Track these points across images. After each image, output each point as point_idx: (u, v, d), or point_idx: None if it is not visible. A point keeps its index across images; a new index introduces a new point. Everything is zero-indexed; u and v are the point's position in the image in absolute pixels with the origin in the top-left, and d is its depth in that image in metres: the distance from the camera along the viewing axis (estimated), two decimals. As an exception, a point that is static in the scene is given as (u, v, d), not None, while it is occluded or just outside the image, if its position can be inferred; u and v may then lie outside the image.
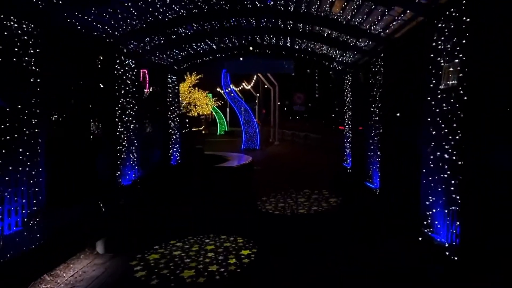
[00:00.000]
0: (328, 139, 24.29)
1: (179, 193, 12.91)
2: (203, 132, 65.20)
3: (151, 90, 14.69)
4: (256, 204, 11.62)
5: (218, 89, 27.66)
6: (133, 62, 10.98)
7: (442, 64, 6.19)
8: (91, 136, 9.98)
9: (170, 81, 14.80)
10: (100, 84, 9.93)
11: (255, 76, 37.63)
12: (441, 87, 6.21)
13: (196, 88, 31.25)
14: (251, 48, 14.08)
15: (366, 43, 10.73)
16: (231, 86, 28.71)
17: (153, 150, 13.94)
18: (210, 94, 54.00)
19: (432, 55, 6.47)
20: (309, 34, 11.57)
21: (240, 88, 51.97)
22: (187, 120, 32.22)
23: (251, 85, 43.12)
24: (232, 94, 28.80)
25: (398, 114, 9.51)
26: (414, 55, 8.10)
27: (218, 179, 13.40)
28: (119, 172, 10.51)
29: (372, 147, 11.03)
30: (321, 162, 18.77)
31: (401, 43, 9.01)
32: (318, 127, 42.75)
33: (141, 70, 27.77)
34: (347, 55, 12.86)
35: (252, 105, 36.64)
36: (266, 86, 34.91)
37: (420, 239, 6.70)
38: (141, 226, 9.49)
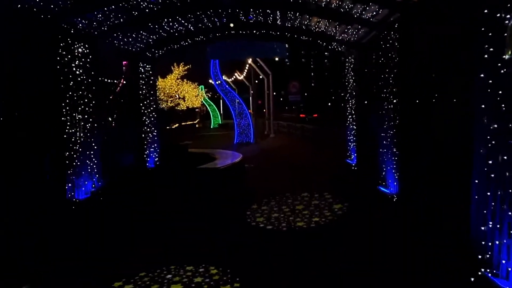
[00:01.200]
0: (327, 131, 22.24)
1: (151, 203, 10.76)
2: (197, 126, 63.44)
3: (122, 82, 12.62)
4: (244, 215, 9.51)
5: (210, 81, 25.70)
6: (86, 46, 8.85)
7: (507, 22, 4.09)
8: (36, 140, 7.83)
9: (142, 70, 12.67)
10: (40, 74, 7.77)
11: (247, 66, 35.40)
12: (506, 57, 4.11)
13: (185, 80, 29.12)
14: (234, 29, 11.92)
15: (374, 13, 8.59)
16: (222, 77, 26.50)
17: (124, 153, 11.86)
18: (202, 86, 51.91)
19: (486, 10, 4.36)
20: (302, 5, 9.41)
21: (232, 78, 49.77)
22: (168, 115, 30.35)
23: (244, 75, 40.88)
24: (223, 85, 26.61)
25: (420, 102, 7.37)
26: (445, 19, 5.96)
27: (201, 184, 11.31)
28: (70, 184, 8.43)
29: (385, 142, 8.95)
30: (320, 157, 16.71)
31: (425, 6, 6.86)
32: (316, 119, 40.72)
33: (123, 62, 25.62)
34: (350, 31, 10.74)
35: (246, 97, 34.46)
36: (261, 77, 32.76)
37: (472, 279, 4.62)
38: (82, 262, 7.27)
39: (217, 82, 26.31)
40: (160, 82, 28.07)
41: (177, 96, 28.41)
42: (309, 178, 12.92)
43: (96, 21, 8.84)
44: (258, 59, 30.18)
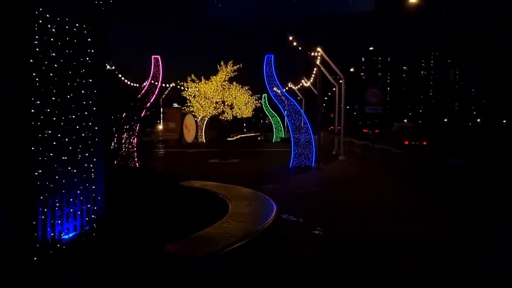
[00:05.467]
0: (440, 165, 14.11)
1: None
2: (258, 138, 57.78)
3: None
4: None
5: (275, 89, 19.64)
6: None
7: None
8: None
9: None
10: None
11: (315, 69, 28.66)
12: None
13: (234, 82, 23.11)
14: None
15: None
16: (276, 78, 20.13)
17: None
18: (265, 95, 45.85)
19: None
20: None
21: (298, 86, 43.33)
22: (230, 125, 24.47)
23: (311, 81, 34.33)
24: (278, 88, 20.24)
25: None
26: None
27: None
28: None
29: None
30: (430, 214, 9.66)
31: None
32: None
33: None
34: None
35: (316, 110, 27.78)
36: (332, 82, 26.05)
37: None
38: None
39: (271, 85, 20.00)
40: (202, 85, 22.18)
41: (222, 103, 22.34)
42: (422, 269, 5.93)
43: None
44: (328, 59, 23.49)
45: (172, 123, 41.09)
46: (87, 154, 5.61)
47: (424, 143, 27.24)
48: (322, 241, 7.38)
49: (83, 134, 5.52)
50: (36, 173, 4.80)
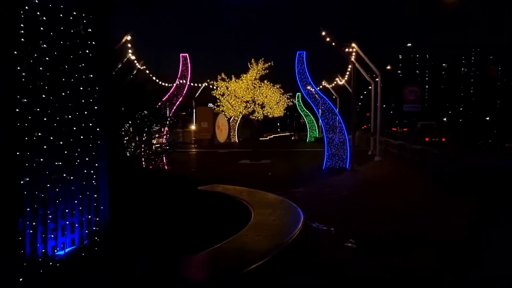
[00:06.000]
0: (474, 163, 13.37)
1: None
2: (292, 138, 56.83)
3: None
4: None
5: (310, 88, 18.63)
6: None
7: None
8: None
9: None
10: None
11: (350, 66, 27.54)
12: None
13: (265, 81, 22.30)
14: None
15: None
16: (309, 75, 19.25)
17: None
18: (299, 94, 44.88)
19: None
20: None
21: (333, 84, 42.08)
22: (262, 124, 23.72)
23: (345, 79, 33.12)
24: (311, 86, 19.36)
25: None
26: None
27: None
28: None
29: None
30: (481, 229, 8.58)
31: None
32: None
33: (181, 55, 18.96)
34: None
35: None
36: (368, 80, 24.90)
37: None
38: None
39: (303, 83, 19.13)
40: (232, 84, 21.54)
41: (253, 101, 21.64)
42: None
43: None
44: (364, 55, 22.37)
45: (205, 122, 40.76)
46: (87, 159, 4.98)
47: (443, 139, 30.64)
48: (353, 253, 6.51)
49: (82, 136, 4.89)
50: (22, 181, 4.19)
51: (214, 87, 23.51)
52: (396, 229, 8.01)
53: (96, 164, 5.10)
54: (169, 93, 19.24)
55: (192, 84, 34.90)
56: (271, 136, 58.79)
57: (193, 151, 31.86)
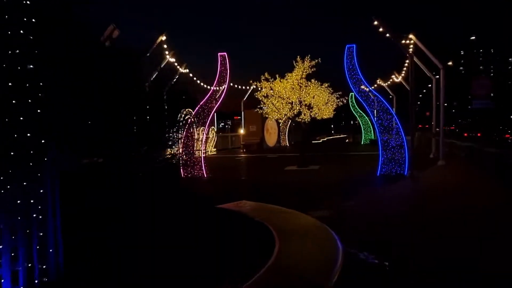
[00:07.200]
0: None
1: None
2: (347, 140, 54.40)
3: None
4: None
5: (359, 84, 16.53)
6: None
7: None
8: None
9: None
10: None
11: (407, 61, 24.94)
12: None
13: (312, 80, 20.40)
14: None
15: None
16: (360, 71, 17.21)
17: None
18: (352, 94, 42.43)
19: None
20: None
21: (388, 82, 39.26)
22: (310, 127, 21.85)
23: (402, 75, 30.47)
24: (362, 83, 17.30)
25: None
26: None
27: None
28: None
29: None
30: None
31: None
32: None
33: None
34: None
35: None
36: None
37: None
38: None
39: (353, 80, 17.11)
40: (277, 84, 19.85)
41: (299, 102, 19.86)
42: None
43: None
44: (424, 48, 19.92)
45: (253, 126, 39.42)
46: (25, 183, 3.52)
47: (479, 134, 35.45)
48: None
49: (12, 153, 3.43)
50: None
51: (258, 88, 21.89)
52: (480, 266, 5.97)
53: (41, 190, 3.62)
54: (208, 95, 17.95)
55: (237, 86, 33.70)
56: (324, 139, 56.71)
57: (241, 156, 30.55)
